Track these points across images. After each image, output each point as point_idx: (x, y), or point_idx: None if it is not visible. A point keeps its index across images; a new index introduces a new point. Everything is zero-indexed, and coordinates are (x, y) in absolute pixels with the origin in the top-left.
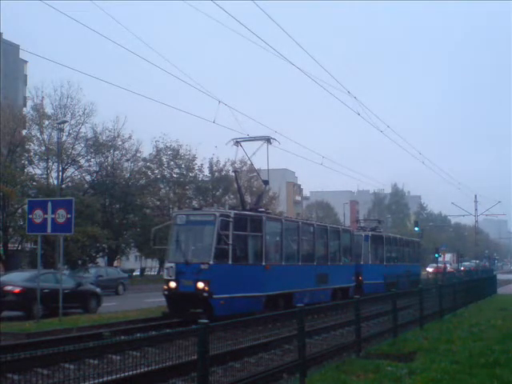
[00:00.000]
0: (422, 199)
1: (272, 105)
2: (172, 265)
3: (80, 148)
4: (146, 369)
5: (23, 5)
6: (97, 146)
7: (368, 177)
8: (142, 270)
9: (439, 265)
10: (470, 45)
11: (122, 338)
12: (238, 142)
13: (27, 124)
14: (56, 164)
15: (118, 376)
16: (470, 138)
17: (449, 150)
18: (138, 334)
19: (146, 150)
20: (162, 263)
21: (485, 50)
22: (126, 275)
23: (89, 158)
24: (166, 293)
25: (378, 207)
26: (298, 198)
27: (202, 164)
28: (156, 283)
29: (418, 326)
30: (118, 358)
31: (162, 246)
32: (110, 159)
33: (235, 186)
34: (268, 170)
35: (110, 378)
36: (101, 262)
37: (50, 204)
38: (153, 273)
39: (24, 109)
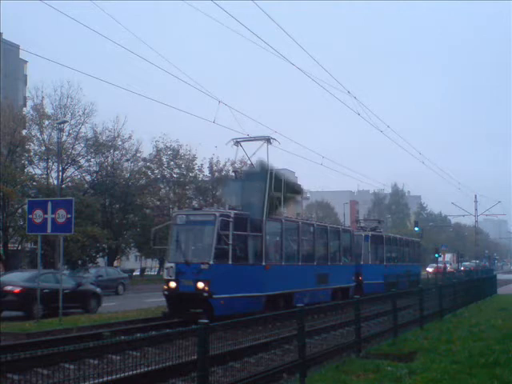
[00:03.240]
0: (422, 199)
1: (272, 105)
2: (172, 265)
3: (80, 148)
4: (145, 369)
5: (23, 5)
6: (97, 146)
7: (368, 177)
8: (142, 269)
9: (439, 265)
10: (469, 45)
11: (122, 337)
12: (238, 142)
13: (27, 124)
14: (56, 164)
15: (118, 376)
16: (470, 137)
17: (449, 150)
18: (138, 334)
19: (146, 150)
20: (162, 263)
21: (485, 50)
22: (125, 275)
23: (89, 158)
24: (166, 293)
25: (377, 207)
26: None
27: (201, 164)
28: (156, 283)
29: (418, 326)
30: (118, 357)
31: (162, 246)
32: (110, 159)
33: None
34: None
35: (109, 378)
36: (101, 262)
37: (49, 204)
38: (153, 273)
39: (24, 109)
